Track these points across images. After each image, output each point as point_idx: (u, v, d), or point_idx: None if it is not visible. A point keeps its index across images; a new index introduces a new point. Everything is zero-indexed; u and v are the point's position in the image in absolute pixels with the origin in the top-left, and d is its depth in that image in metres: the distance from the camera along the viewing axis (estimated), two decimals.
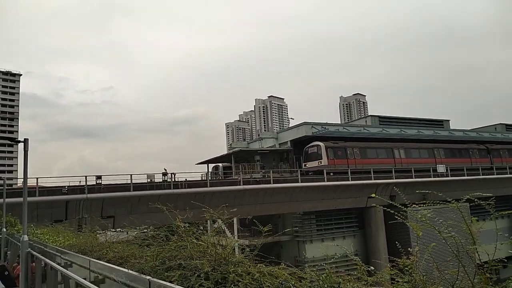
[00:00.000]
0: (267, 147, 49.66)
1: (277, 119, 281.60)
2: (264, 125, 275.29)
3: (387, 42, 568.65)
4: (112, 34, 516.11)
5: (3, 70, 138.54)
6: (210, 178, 40.77)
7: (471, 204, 4.38)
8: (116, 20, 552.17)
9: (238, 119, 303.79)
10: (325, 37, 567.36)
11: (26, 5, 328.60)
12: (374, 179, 40.28)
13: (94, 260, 5.66)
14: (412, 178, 42.42)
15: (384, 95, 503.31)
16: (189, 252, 4.60)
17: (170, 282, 3.62)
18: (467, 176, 46.63)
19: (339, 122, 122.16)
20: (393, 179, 40.92)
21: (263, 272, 3.87)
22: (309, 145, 42.94)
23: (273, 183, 36.30)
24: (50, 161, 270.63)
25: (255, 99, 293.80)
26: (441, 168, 46.11)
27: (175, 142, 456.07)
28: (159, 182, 33.80)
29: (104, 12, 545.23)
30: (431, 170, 45.17)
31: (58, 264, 7.45)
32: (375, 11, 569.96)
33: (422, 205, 4.26)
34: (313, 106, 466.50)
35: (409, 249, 4.08)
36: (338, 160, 41.45)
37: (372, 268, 4.14)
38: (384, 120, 56.87)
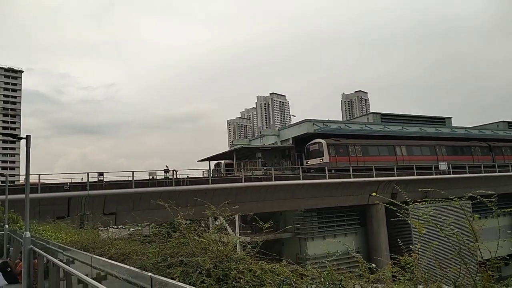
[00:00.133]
0: (269, 144, 49.67)
1: (278, 116, 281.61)
2: (266, 122, 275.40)
3: (390, 39, 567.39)
4: (113, 31, 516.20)
5: (5, 67, 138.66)
6: (211, 175, 40.82)
7: (473, 201, 4.37)
8: (117, 16, 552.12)
9: (240, 116, 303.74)
10: (327, 34, 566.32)
11: (27, 1, 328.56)
12: (375, 177, 40.29)
13: (96, 256, 5.68)
14: (414, 175, 42.38)
15: (386, 92, 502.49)
16: (191, 249, 4.61)
17: (172, 278, 3.63)
18: (469, 173, 46.59)
19: (341, 119, 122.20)
20: (394, 176, 40.92)
21: (265, 269, 3.88)
22: (310, 142, 42.93)
23: (275, 180, 36.34)
24: (52, 158, 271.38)
25: (257, 96, 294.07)
26: (443, 166, 46.04)
27: (177, 139, 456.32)
28: (161, 179, 33.88)
29: (105, 8, 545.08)
30: (433, 168, 45.12)
31: (60, 260, 7.48)
32: (378, 9, 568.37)
33: (424, 202, 4.26)
34: (315, 103, 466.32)
35: (410, 246, 4.08)
36: (340, 157, 41.44)
37: (373, 265, 4.14)
38: (386, 117, 56.80)
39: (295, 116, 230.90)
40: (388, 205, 4.55)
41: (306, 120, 46.14)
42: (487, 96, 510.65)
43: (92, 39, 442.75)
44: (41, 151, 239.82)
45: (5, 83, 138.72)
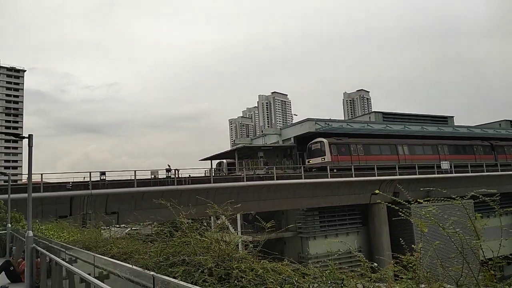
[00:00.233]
0: (271, 144, 49.67)
1: (280, 115, 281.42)
2: (268, 122, 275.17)
3: (392, 39, 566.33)
4: (114, 30, 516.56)
5: (7, 66, 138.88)
6: (213, 174, 40.85)
7: (475, 201, 4.36)
8: (118, 16, 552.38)
9: (242, 115, 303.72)
10: (328, 33, 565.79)
11: (28, 1, 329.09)
12: (377, 176, 40.23)
13: (99, 255, 5.69)
14: (416, 174, 42.31)
15: (388, 91, 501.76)
16: (193, 248, 4.62)
17: (174, 277, 3.64)
18: (471, 173, 46.46)
19: (343, 119, 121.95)
20: (396, 175, 40.88)
21: (267, 268, 3.88)
22: (312, 141, 42.93)
23: (277, 180, 36.32)
24: (55, 157, 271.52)
25: (259, 95, 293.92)
26: (445, 165, 45.94)
27: (179, 139, 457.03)
28: (163, 178, 33.89)
29: (106, 8, 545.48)
30: (435, 167, 45.04)
31: (63, 259, 7.49)
32: (380, 8, 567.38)
33: (426, 202, 4.25)
34: (316, 102, 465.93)
35: (412, 245, 4.07)
36: (342, 156, 41.41)
37: (375, 264, 4.14)
38: (388, 117, 56.74)
39: (297, 115, 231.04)
40: (390, 204, 4.54)
41: (308, 119, 46.13)
42: (490, 95, 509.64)
43: (93, 38, 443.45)
44: (44, 150, 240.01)
45: (8, 82, 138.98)
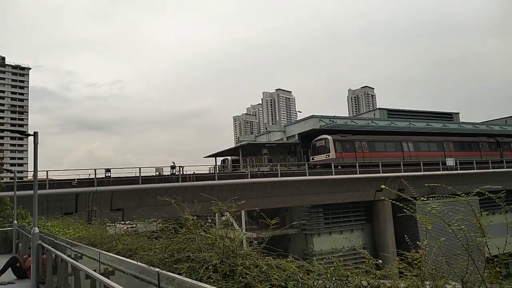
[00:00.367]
0: (275, 141, 49.66)
1: (284, 112, 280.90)
2: (272, 119, 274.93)
3: (396, 36, 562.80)
4: (118, 28, 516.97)
5: (13, 64, 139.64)
6: (218, 171, 40.91)
7: (480, 197, 4.34)
8: (122, 14, 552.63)
9: (246, 112, 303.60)
10: (333, 30, 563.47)
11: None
12: (382, 173, 40.11)
13: (104, 252, 5.72)
14: (420, 171, 42.16)
15: (393, 88, 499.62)
16: (198, 245, 4.63)
17: (179, 274, 3.65)
18: (477, 169, 46.24)
19: (347, 115, 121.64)
20: (401, 172, 40.72)
21: (271, 264, 3.89)
22: (317, 138, 42.83)
23: (281, 176, 36.35)
24: (60, 154, 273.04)
25: (263, 92, 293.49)
26: (450, 162, 45.75)
27: (183, 136, 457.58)
28: (168, 175, 34.01)
29: (110, 6, 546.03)
30: (440, 164, 44.84)
31: (69, 256, 7.53)
32: (384, 5, 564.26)
33: (431, 198, 4.23)
34: (321, 99, 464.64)
35: (417, 242, 4.06)
36: (346, 153, 41.31)
37: (380, 261, 4.13)
38: (393, 113, 56.48)
39: (301, 112, 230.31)
40: (394, 201, 4.53)
41: (312, 116, 46.04)
42: (496, 91, 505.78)
43: (97, 36, 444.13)
44: (49, 147, 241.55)
45: (13, 80, 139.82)
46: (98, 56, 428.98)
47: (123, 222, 29.86)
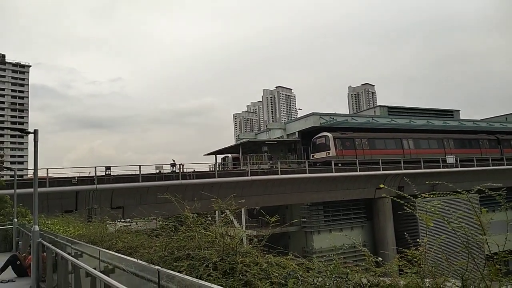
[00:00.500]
0: (275, 138, 49.66)
1: (285, 110, 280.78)
2: (272, 116, 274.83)
3: (397, 34, 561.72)
4: (119, 26, 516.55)
5: (13, 62, 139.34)
6: (218, 169, 40.91)
7: (481, 195, 4.34)
8: (123, 11, 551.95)
9: (246, 110, 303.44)
10: (333, 28, 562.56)
11: None
12: (382, 170, 40.13)
13: (104, 250, 5.72)
14: (421, 169, 42.16)
15: (393, 86, 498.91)
16: (198, 243, 4.63)
17: (179, 272, 3.65)
18: (477, 166, 46.24)
19: (348, 113, 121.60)
20: (401, 170, 40.73)
21: (271, 262, 3.89)
22: (317, 136, 42.83)
23: (281, 174, 36.37)
24: (60, 152, 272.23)
25: (263, 90, 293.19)
26: (450, 159, 45.74)
27: (184, 133, 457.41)
28: (168, 173, 34.05)
29: (111, 3, 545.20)
30: (441, 161, 44.84)
31: (69, 254, 7.54)
32: (385, 3, 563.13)
33: (431, 196, 4.23)
34: (321, 96, 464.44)
35: (417, 240, 4.06)
36: (346, 151, 41.31)
37: (380, 259, 4.13)
38: (393, 110, 56.48)
39: (301, 109, 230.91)
40: (395, 198, 4.52)
41: (313, 114, 46.01)
42: (496, 89, 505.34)
43: (98, 34, 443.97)
44: (49, 145, 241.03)
45: (13, 77, 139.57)
46: (100, 54, 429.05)
47: (123, 220, 29.87)
